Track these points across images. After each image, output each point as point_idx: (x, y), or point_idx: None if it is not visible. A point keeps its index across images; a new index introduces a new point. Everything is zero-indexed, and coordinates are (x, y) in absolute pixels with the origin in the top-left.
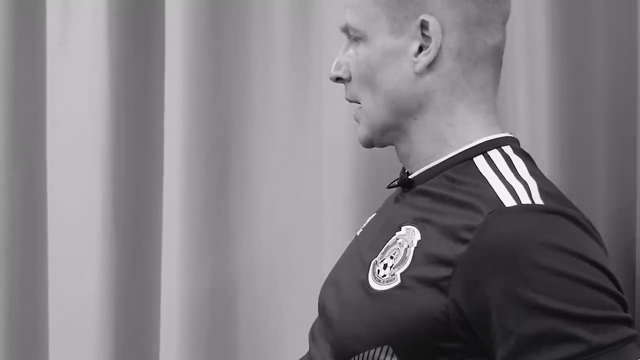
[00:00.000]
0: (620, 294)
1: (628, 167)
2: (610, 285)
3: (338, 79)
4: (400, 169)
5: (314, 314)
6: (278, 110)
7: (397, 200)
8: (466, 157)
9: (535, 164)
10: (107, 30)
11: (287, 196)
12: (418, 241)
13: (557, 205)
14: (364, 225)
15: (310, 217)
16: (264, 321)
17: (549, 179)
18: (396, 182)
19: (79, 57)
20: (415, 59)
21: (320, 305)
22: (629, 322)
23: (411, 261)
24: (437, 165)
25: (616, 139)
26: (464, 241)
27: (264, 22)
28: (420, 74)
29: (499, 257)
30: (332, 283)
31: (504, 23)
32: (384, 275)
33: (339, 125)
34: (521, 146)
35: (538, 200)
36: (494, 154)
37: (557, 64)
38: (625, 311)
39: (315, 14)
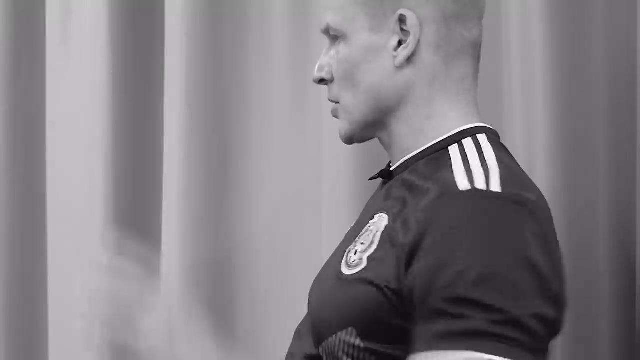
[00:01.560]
0: (537, 292)
1: (628, 167)
2: (532, 290)
3: (321, 81)
4: None
5: None
6: (278, 110)
7: (377, 191)
8: (442, 147)
9: (511, 155)
10: (107, 30)
11: (287, 196)
12: (385, 226)
13: (510, 193)
14: (353, 224)
15: (309, 217)
16: (264, 321)
17: (548, 180)
18: (377, 175)
19: (79, 57)
20: (395, 53)
21: (308, 302)
22: (519, 325)
23: (377, 245)
24: (414, 156)
25: (616, 139)
26: (417, 222)
27: (263, 22)
28: (400, 68)
29: (437, 237)
30: (318, 279)
31: (481, 18)
32: (354, 261)
33: (338, 124)
34: (519, 147)
35: (495, 187)
36: (467, 141)
37: (555, 64)
38: (554, 317)
39: (315, 15)
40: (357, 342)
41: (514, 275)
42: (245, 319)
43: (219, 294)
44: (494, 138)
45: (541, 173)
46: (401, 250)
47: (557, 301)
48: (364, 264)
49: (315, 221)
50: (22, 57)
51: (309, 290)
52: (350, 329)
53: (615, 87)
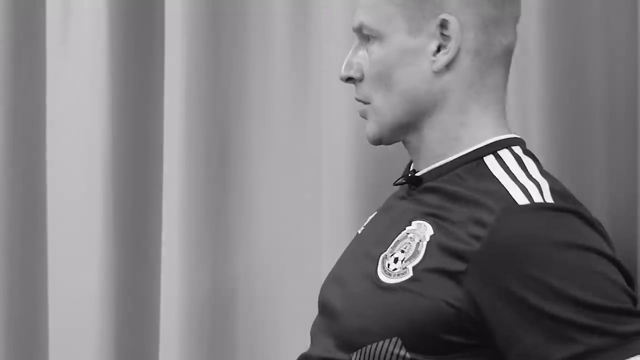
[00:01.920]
0: (631, 289)
1: (629, 168)
2: (622, 280)
3: (349, 79)
4: (402, 168)
5: (314, 314)
6: (278, 110)
7: (403, 197)
8: (476, 157)
9: (542, 165)
10: (107, 30)
11: (287, 196)
12: (431, 235)
13: (567, 204)
14: (365, 224)
15: (309, 217)
16: (263, 321)
17: None
18: (403, 180)
19: (79, 57)
20: (433, 58)
21: (322, 304)
22: (639, 315)
23: (424, 255)
24: (447, 163)
25: (616, 139)
26: (477, 237)
27: (263, 22)
28: (438, 73)
29: (514, 254)
30: (335, 280)
31: (516, 22)
32: (395, 269)
33: (338, 125)
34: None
35: (549, 199)
36: (504, 153)
37: (552, 64)
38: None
39: (315, 14)
40: (403, 352)
41: (605, 269)
42: (245, 318)
43: (219, 294)
44: (527, 150)
45: None
46: (462, 264)
47: (631, 281)
48: (410, 274)
49: (315, 221)
50: (22, 57)
51: (310, 290)
52: (395, 339)
53: (614, 88)
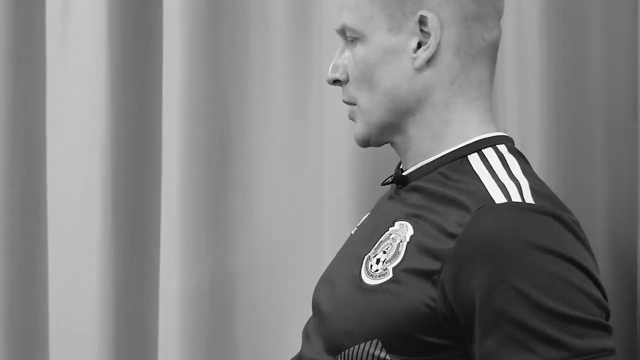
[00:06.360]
0: (604, 301)
1: (628, 167)
2: (594, 291)
3: (335, 82)
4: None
5: None
6: (278, 110)
7: (391, 197)
8: (461, 155)
9: (529, 164)
10: (106, 30)
11: (287, 196)
12: (410, 236)
13: (547, 206)
14: (359, 224)
15: (310, 217)
16: (263, 321)
17: (545, 180)
18: (390, 179)
19: (79, 58)
20: (414, 55)
21: (315, 304)
22: (609, 331)
23: (404, 255)
24: (431, 162)
25: (616, 139)
26: (453, 236)
27: (263, 21)
28: (419, 70)
29: (485, 251)
30: (326, 281)
31: (499, 18)
32: (377, 270)
33: (339, 124)
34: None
35: (529, 199)
36: (489, 152)
37: (552, 64)
38: (607, 320)
39: (315, 14)
40: (383, 354)
41: (576, 278)
42: (245, 318)
43: (218, 293)
44: (513, 148)
45: (538, 174)
46: (438, 264)
47: (604, 294)
48: (390, 275)
49: (317, 221)
50: (22, 57)
51: (310, 289)
52: (375, 341)
53: (614, 88)
